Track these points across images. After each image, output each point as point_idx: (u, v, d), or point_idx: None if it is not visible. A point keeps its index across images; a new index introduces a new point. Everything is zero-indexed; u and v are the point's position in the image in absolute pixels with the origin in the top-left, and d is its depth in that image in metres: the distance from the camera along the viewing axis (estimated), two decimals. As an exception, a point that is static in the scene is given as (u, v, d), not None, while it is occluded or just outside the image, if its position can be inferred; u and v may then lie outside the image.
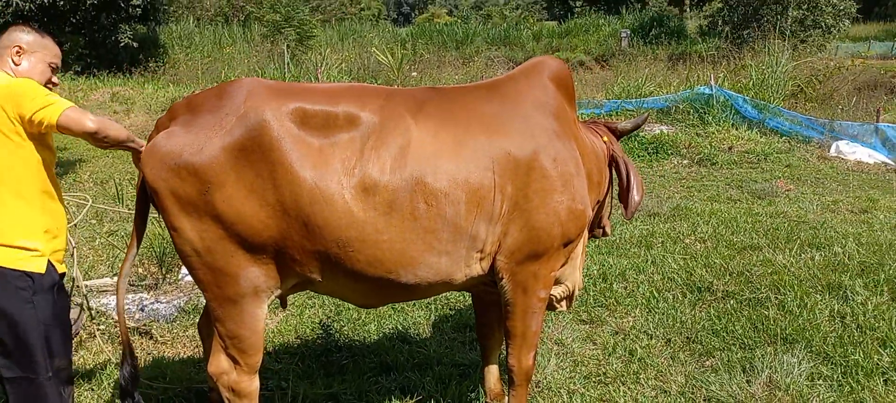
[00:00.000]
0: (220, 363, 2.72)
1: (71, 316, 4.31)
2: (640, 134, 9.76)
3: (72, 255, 2.93)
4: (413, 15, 63.45)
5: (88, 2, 18.62)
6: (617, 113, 11.03)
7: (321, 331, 4.23)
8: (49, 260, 2.55)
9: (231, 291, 2.56)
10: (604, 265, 5.21)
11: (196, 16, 29.73)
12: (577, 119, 3.09)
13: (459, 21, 32.68)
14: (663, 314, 4.39)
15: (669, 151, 9.53)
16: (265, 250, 2.52)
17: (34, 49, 2.64)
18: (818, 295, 4.55)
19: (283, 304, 2.91)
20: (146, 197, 2.64)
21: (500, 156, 2.64)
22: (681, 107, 10.91)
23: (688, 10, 33.34)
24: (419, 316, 4.47)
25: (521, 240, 2.72)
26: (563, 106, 2.92)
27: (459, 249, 2.64)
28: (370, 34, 25.97)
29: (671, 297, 4.65)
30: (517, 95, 2.84)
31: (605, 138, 3.33)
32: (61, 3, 18.76)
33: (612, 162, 3.28)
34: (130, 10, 19.52)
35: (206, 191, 2.41)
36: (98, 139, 2.52)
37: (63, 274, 2.67)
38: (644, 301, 4.60)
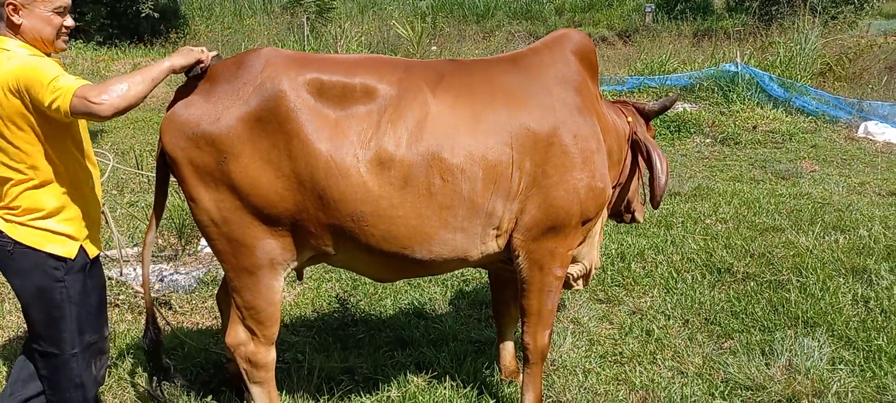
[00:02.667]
0: (237, 334, 2.75)
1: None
2: (663, 111, 9.60)
3: (103, 217, 2.91)
4: (434, -12, 62.73)
5: (110, -29, 18.70)
6: (639, 90, 10.85)
7: (338, 305, 4.26)
8: (81, 245, 2.55)
9: (247, 262, 2.57)
10: (622, 244, 5.16)
11: (217, -13, 29.69)
12: (600, 94, 3.03)
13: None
14: (682, 295, 4.34)
15: (692, 130, 9.37)
16: (281, 222, 2.52)
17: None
18: (841, 279, 4.47)
19: (300, 277, 2.92)
20: (165, 166, 2.65)
21: (519, 131, 2.60)
22: (705, 84, 10.67)
23: (715, -16, 32.52)
24: (435, 292, 4.47)
25: (539, 218, 2.69)
26: (585, 80, 2.86)
27: (475, 226, 2.61)
28: (390, 7, 25.75)
29: (690, 278, 4.60)
30: (539, 69, 2.78)
31: (629, 118, 3.27)
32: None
33: (635, 144, 3.22)
34: (152, -21, 19.58)
35: (223, 160, 2.42)
36: (122, 110, 2.28)
37: (97, 255, 2.67)
38: (662, 281, 4.56)
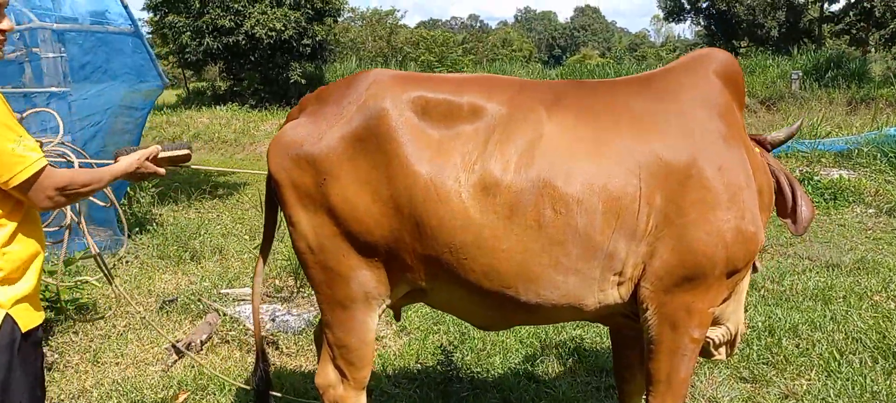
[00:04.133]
0: (327, 374, 2.55)
1: (206, 323, 4.46)
2: (814, 177, 8.64)
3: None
4: (564, 57, 63.25)
5: (265, 42, 20.57)
6: (787, 155, 9.91)
7: (443, 358, 3.98)
8: (7, 314, 2.00)
9: (342, 294, 2.39)
10: (770, 317, 4.49)
11: (358, 56, 31.69)
12: (745, 125, 2.61)
13: (612, 62, 31.87)
14: (847, 380, 3.64)
15: (851, 198, 8.30)
16: (377, 251, 2.32)
17: None
18: None
19: (397, 316, 2.70)
20: (273, 201, 2.58)
21: (648, 160, 2.24)
22: (865, 150, 9.54)
23: (873, 50, 29.99)
24: (549, 352, 4.08)
25: (673, 264, 2.27)
26: (730, 106, 2.45)
27: (592, 268, 2.26)
28: (520, 73, 26.06)
29: (858, 361, 3.87)
30: (675, 90, 2.42)
31: (757, 150, 2.81)
32: (244, 42, 20.83)
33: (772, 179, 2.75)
34: (301, 49, 21.37)
35: (323, 182, 2.28)
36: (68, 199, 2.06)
37: (38, 327, 2.13)
38: (822, 362, 3.86)
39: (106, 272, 3.30)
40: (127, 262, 6.19)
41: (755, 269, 3.03)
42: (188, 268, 6.11)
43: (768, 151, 2.88)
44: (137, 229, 7.12)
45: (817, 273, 5.52)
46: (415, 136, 2.24)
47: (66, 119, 6.29)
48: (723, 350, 2.67)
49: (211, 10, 23.40)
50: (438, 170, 2.21)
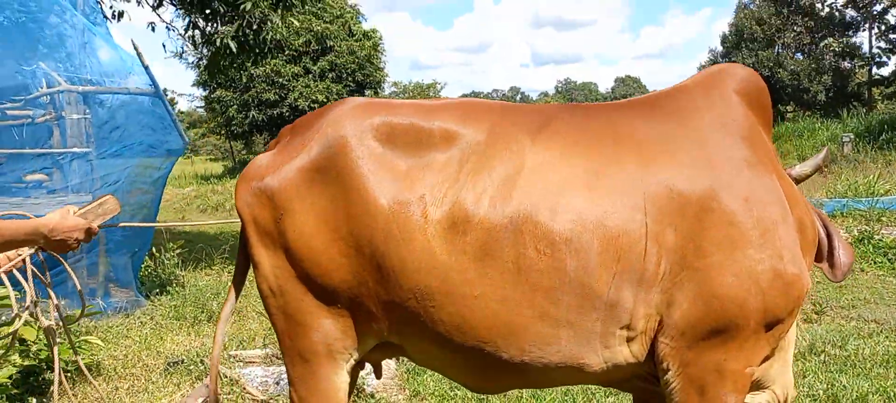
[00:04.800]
0: None
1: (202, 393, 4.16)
2: (874, 237, 8.00)
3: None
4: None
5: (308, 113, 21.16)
6: (842, 213, 9.28)
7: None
8: None
9: (303, 345, 2.07)
10: (833, 384, 3.93)
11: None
12: (775, 150, 2.21)
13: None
14: (933, 459, 3.06)
15: (917, 259, 7.62)
16: (338, 297, 2.02)
17: None
18: None
19: (377, 373, 2.37)
20: (244, 244, 2.32)
21: (656, 192, 1.87)
22: (929, 208, 8.88)
23: (928, 112, 28.85)
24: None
25: (697, 315, 1.87)
26: (756, 128, 2.07)
27: (590, 321, 1.87)
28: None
29: (943, 437, 3.28)
30: (690, 112, 2.05)
31: None
32: (288, 114, 21.40)
33: None
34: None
35: (280, 217, 2.02)
36: None
37: None
38: (899, 437, 3.30)
39: (68, 336, 3.00)
40: (142, 323, 5.99)
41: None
42: (202, 329, 5.86)
43: (797, 182, 2.48)
44: (158, 290, 6.97)
45: (886, 336, 4.92)
46: (377, 167, 1.95)
47: (87, 177, 6.29)
48: None
49: (256, 85, 24.26)
50: (401, 204, 1.91)
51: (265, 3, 9.18)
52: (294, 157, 2.05)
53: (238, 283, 2.48)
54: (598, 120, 2.06)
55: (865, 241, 7.92)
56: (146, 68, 5.91)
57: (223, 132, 28.64)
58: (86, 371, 3.40)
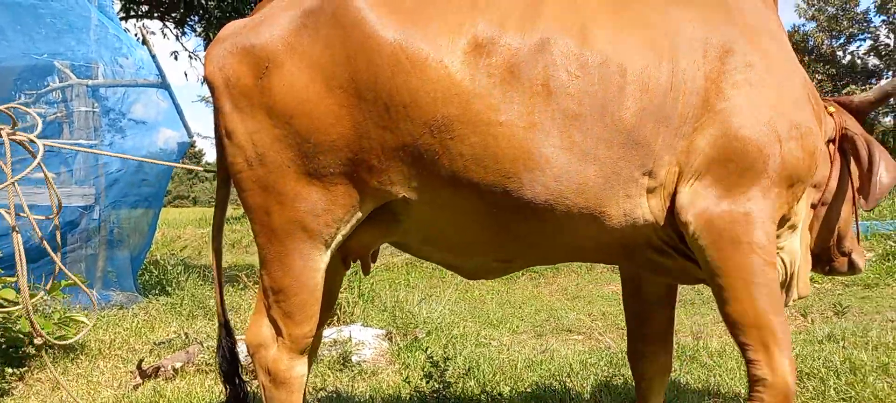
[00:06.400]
0: (259, 330, 2.05)
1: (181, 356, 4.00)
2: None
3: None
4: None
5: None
6: (867, 237, 8.91)
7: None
8: None
9: (282, 219, 1.92)
10: (851, 358, 3.64)
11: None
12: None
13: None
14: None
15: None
16: (332, 158, 1.86)
17: None
18: None
19: (365, 270, 2.22)
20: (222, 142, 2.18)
21: (680, 29, 1.84)
22: (959, 231, 8.48)
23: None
24: (574, 380, 3.37)
25: (719, 159, 1.80)
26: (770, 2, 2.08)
27: (616, 159, 1.77)
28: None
29: (973, 399, 2.99)
30: None
31: (831, 109, 2.27)
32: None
33: (846, 144, 2.20)
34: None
35: (263, 73, 1.87)
36: None
37: None
38: (925, 399, 3.01)
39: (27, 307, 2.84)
40: (135, 314, 5.86)
41: (854, 267, 2.38)
42: (197, 322, 5.71)
43: (856, 117, 2.35)
44: (157, 290, 6.86)
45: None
46: (380, 2, 1.84)
47: (92, 168, 6.29)
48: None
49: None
50: (408, 34, 1.79)
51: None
52: (281, 9, 1.92)
53: (220, 213, 2.31)
54: None
55: (891, 258, 7.59)
56: (154, 57, 5.95)
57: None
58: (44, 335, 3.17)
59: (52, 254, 2.88)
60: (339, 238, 1.98)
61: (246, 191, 1.98)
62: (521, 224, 1.86)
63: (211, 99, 2.06)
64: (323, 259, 1.98)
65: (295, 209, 1.92)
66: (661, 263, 2.01)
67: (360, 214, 1.96)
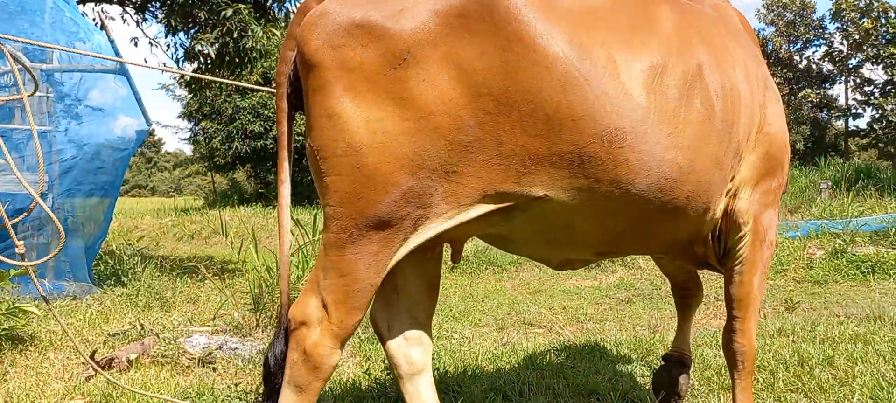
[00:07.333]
0: (305, 306, 1.93)
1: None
2: (847, 250, 7.93)
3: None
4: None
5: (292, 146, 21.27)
6: (818, 235, 9.21)
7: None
8: None
9: (372, 209, 1.83)
10: (800, 352, 3.77)
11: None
12: None
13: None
14: (899, 406, 2.90)
15: (891, 272, 7.53)
16: (458, 158, 1.82)
17: None
18: None
19: (455, 258, 2.19)
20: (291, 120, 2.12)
21: (746, 63, 2.27)
22: (904, 231, 8.81)
23: (904, 163, 29.32)
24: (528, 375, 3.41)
25: (765, 171, 2.31)
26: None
27: (730, 166, 2.17)
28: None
29: (909, 391, 3.12)
30: (729, 18, 2.52)
31: None
32: (271, 146, 21.26)
33: None
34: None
35: (398, 64, 1.79)
36: None
37: None
38: (866, 390, 3.13)
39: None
40: (89, 305, 5.71)
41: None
42: (153, 314, 5.60)
43: None
44: (112, 281, 6.70)
45: (857, 324, 4.77)
46: (544, 14, 1.83)
47: (45, 156, 6.10)
48: None
49: (242, 116, 24.23)
50: (582, 48, 1.84)
51: (246, 12, 9.16)
52: (420, 1, 1.83)
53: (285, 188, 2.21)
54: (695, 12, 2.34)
55: (839, 255, 7.86)
56: (112, 42, 5.79)
57: (207, 163, 28.37)
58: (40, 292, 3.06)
59: (13, 237, 2.77)
60: (429, 234, 1.90)
61: (337, 175, 1.85)
62: (652, 221, 2.04)
63: (289, 71, 1.99)
64: (398, 253, 1.91)
65: (394, 202, 1.83)
66: (693, 251, 2.41)
67: (473, 213, 1.90)
